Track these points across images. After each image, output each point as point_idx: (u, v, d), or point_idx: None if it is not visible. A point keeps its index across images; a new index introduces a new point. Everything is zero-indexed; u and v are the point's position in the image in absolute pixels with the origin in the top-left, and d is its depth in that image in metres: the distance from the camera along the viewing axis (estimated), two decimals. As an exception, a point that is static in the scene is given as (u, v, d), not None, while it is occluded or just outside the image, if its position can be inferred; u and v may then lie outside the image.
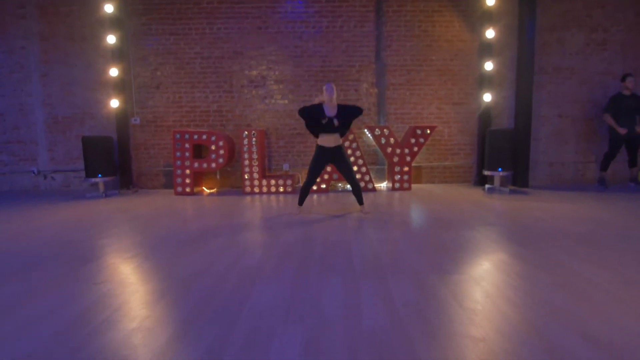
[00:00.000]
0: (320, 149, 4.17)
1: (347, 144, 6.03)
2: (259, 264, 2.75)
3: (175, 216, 4.53)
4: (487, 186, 6.08)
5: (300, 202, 4.43)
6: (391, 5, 6.37)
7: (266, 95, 6.58)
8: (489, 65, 6.20)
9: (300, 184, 6.66)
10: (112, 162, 6.30)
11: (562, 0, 6.31)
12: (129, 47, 6.49)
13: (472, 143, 6.62)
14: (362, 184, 6.13)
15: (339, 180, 6.15)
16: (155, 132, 6.65)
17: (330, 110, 4.12)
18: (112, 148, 6.35)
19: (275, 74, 6.53)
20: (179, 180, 6.10)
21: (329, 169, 6.07)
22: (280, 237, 3.46)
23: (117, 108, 6.44)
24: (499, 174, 5.90)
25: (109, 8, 6.17)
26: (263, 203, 5.36)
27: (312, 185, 4.31)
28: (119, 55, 6.39)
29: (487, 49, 6.24)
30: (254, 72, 6.53)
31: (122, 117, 6.51)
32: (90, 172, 6.03)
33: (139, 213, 4.73)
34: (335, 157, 4.20)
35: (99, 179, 6.05)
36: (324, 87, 4.11)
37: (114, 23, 6.30)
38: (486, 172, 6.03)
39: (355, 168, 6.07)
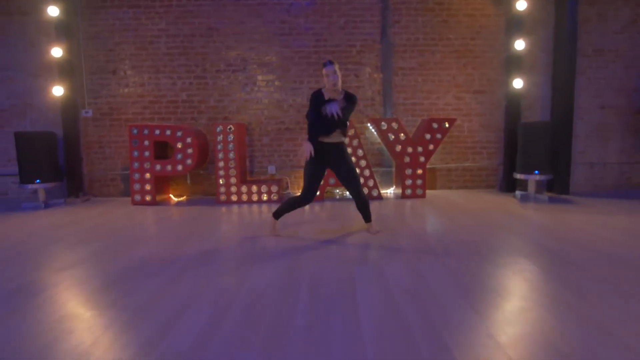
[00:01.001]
0: (319, 146, 3.01)
1: (346, 141, 4.85)
2: (199, 340, 1.56)
3: (112, 238, 3.32)
4: (518, 193, 4.92)
5: (279, 216, 3.26)
6: (399, -28, 5.22)
7: (247, 81, 5.39)
8: (519, 44, 5.05)
9: (289, 191, 5.47)
10: (55, 165, 5.07)
11: (605, -33, 5.20)
12: (78, 23, 5.27)
13: (498, 140, 5.47)
14: (365, 191, 4.94)
15: (336, 185, 4.98)
16: (112, 128, 5.43)
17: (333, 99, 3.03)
18: (56, 147, 5.12)
19: (258, 55, 5.34)
20: (136, 186, 4.89)
21: None
22: (248, 279, 2.27)
23: (62, 97, 5.22)
24: (534, 178, 4.76)
25: (50, -28, 4.96)
26: (238, 217, 4.16)
27: (309, 201, 3.10)
28: (65, 32, 5.17)
29: (516, 25, 5.10)
30: (232, 54, 5.34)
31: (70, 108, 5.28)
32: (25, 177, 4.80)
33: (67, 232, 3.51)
34: (336, 158, 3.08)
35: (38, 185, 4.82)
36: (324, 70, 2.99)
37: (58, -8, 5.09)
38: (518, 176, 4.88)
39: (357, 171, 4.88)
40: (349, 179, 3.09)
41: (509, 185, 5.31)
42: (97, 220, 4.01)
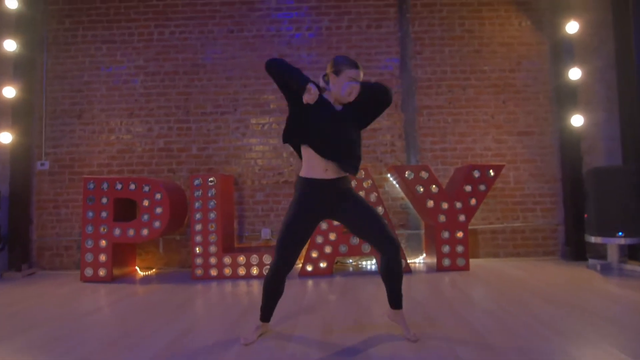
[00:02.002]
0: (309, 185, 1.98)
1: (361, 194, 3.73)
2: None
3: (26, 335, 2.10)
4: (595, 262, 3.65)
5: (266, 315, 2.10)
6: (419, -3, 4.44)
7: (238, 125, 4.43)
8: (574, 73, 4.08)
9: (289, 260, 4.25)
10: (-6, 229, 4.01)
11: (665, -13, 4.36)
12: (44, 60, 4.49)
13: (554, 193, 4.30)
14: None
15: (349, 254, 3.77)
16: (72, 183, 4.41)
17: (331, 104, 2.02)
18: (-2, 206, 4.09)
19: (252, 95, 4.44)
20: (88, 257, 3.73)
21: (324, 225, 3.71)
22: None
23: (13, 146, 4.27)
24: (617, 242, 3.52)
25: (11, 3, 4.24)
26: (214, 304, 2.94)
27: (288, 266, 1.97)
28: (25, 70, 4.36)
29: (566, 52, 4.17)
30: (222, 93, 4.44)
31: (22, 159, 4.31)
32: (-53, 245, 3.71)
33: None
34: (341, 199, 1.99)
35: (-37, 256, 3.71)
36: (346, 72, 1.93)
37: (21, 25, 4.35)
38: (593, 239, 3.64)
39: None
40: (367, 218, 1.96)
41: (576, 252, 4.04)
42: (22, 305, 2.82)
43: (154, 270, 4.21)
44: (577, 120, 4.05)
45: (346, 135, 1.95)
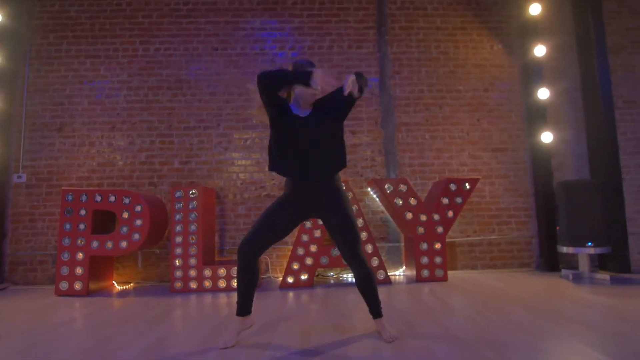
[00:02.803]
0: (289, 186, 2.12)
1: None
2: None
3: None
4: (567, 272, 3.78)
5: (241, 307, 2.08)
6: (398, 21, 4.66)
7: (221, 139, 4.48)
8: (543, 93, 4.32)
9: (270, 275, 4.25)
10: (-36, 242, 3.89)
11: (620, 15, 4.72)
12: (26, 73, 4.48)
13: (528, 206, 4.46)
14: (368, 273, 3.75)
15: (330, 266, 3.80)
16: (49, 196, 4.34)
17: (304, 110, 2.12)
18: (-30, 219, 3.99)
19: (235, 110, 4.51)
20: (64, 270, 3.64)
21: (308, 224, 3.74)
22: None
23: (-11, 158, 4.21)
24: (587, 252, 3.66)
25: (-5, 17, 4.28)
26: (192, 315, 2.91)
27: (244, 252, 2.00)
28: (6, 82, 4.34)
29: (535, 74, 4.42)
30: (205, 108, 4.51)
31: (-1, 172, 4.25)
32: None
33: None
34: (326, 203, 2.07)
35: None
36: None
37: (5, 39, 4.36)
38: (565, 249, 3.78)
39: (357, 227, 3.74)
40: (344, 232, 2.01)
41: (550, 263, 4.17)
42: (-20, 323, 2.72)
43: (131, 284, 4.12)
44: (547, 138, 4.26)
45: (316, 144, 2.01)
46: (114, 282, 4.13)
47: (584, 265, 3.73)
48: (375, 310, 2.10)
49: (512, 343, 1.96)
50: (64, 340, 2.25)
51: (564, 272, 3.87)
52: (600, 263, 4.09)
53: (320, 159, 2.04)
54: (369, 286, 2.07)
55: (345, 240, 2.02)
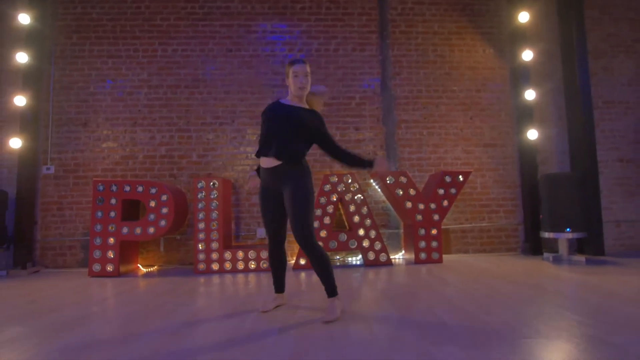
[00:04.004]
0: (261, 173, 2.42)
1: (348, 197, 4.21)
2: None
3: (49, 318, 2.42)
4: (548, 255, 4.25)
5: (276, 286, 2.55)
6: (398, 26, 5.05)
7: (236, 135, 4.85)
8: (530, 94, 4.75)
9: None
10: (2, 229, 4.23)
11: (602, 22, 5.16)
12: (51, 72, 4.79)
13: (515, 196, 4.92)
14: (372, 256, 4.19)
15: (338, 249, 4.21)
16: (76, 186, 4.69)
17: (296, 103, 2.41)
18: (5, 208, 4.32)
19: (248, 108, 4.88)
20: (97, 253, 4.02)
21: (316, 224, 4.15)
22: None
23: (20, 151, 4.53)
24: (566, 237, 4.13)
25: (24, 18, 4.58)
26: (219, 294, 3.31)
27: (272, 251, 2.44)
28: (34, 80, 4.65)
29: (523, 77, 4.86)
30: (220, 106, 4.87)
31: (29, 164, 4.57)
32: (-42, 244, 3.91)
33: (-12, 312, 2.60)
34: (282, 181, 2.30)
35: (-27, 254, 3.92)
36: (292, 69, 2.36)
37: (31, 39, 4.67)
38: (547, 234, 4.25)
39: (361, 232, 4.17)
40: (290, 212, 2.23)
41: (534, 247, 4.65)
42: (38, 295, 3.09)
43: (155, 267, 4.51)
44: (533, 135, 4.71)
45: (281, 130, 2.25)
46: (139, 265, 4.52)
47: (563, 248, 4.20)
48: (327, 290, 2.27)
49: (499, 306, 2.40)
50: (115, 310, 2.65)
51: (545, 255, 4.34)
52: (577, 247, 4.57)
53: (285, 141, 2.24)
54: (317, 269, 2.24)
55: (291, 219, 2.22)
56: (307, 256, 2.22)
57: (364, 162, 2.33)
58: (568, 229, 4.09)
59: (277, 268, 2.50)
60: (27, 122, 4.58)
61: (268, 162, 2.29)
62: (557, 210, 4.16)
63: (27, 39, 4.67)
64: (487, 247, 4.85)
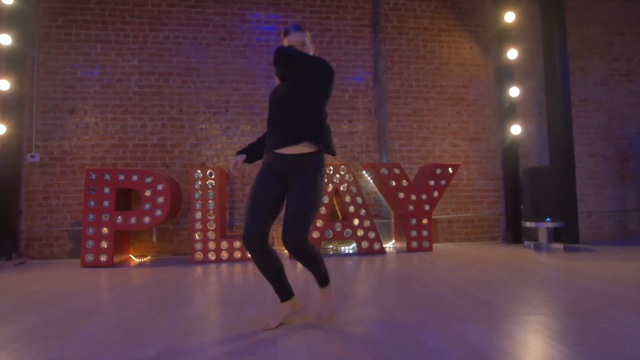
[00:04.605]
0: (272, 158, 1.93)
1: (344, 187, 4.32)
2: None
3: (52, 310, 2.40)
4: (529, 243, 4.53)
5: (283, 295, 1.98)
6: (390, 21, 5.16)
7: (230, 125, 4.84)
8: (514, 91, 5.00)
9: (277, 247, 4.72)
10: (-16, 218, 4.07)
11: (579, 24, 5.48)
12: (35, 55, 4.60)
13: (497, 188, 5.19)
14: (366, 244, 4.33)
15: (333, 238, 4.33)
16: (63, 175, 4.56)
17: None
18: (-12, 196, 4.15)
19: (242, 98, 4.87)
20: (89, 243, 3.95)
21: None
22: None
23: (3, 138, 4.34)
24: (546, 226, 4.41)
25: (6, -1, 4.36)
26: (218, 284, 3.35)
27: (247, 240, 1.83)
28: (17, 64, 4.46)
29: (507, 75, 5.09)
30: (214, 95, 4.83)
31: (12, 151, 4.39)
32: (-61, 234, 3.74)
33: (-8, 302, 2.54)
34: (294, 174, 1.90)
35: (-45, 245, 3.75)
36: (286, 40, 1.98)
37: (14, 20, 4.46)
38: (528, 224, 4.52)
39: (356, 222, 4.30)
40: (290, 205, 1.82)
41: (515, 236, 4.94)
42: (37, 286, 3.03)
43: (148, 257, 4.47)
44: (515, 130, 4.97)
45: (290, 109, 1.87)
46: (130, 255, 4.46)
47: (542, 237, 4.49)
48: (319, 280, 2.01)
49: (497, 288, 2.58)
50: (125, 298, 2.65)
51: (526, 243, 4.62)
52: (555, 236, 4.89)
53: (291, 122, 1.86)
54: (308, 265, 1.91)
55: (290, 218, 1.79)
56: (296, 257, 1.83)
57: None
58: (548, 219, 4.38)
59: (275, 268, 1.93)
60: (10, 107, 4.40)
61: (285, 149, 1.86)
62: (538, 202, 4.44)
63: (9, 19, 4.45)
64: (471, 236, 5.10)
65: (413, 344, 1.63)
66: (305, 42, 1.96)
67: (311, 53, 1.98)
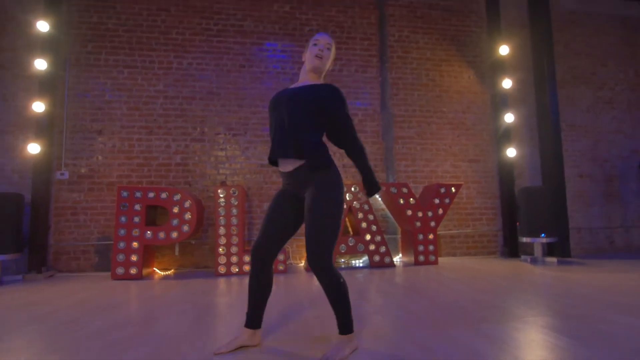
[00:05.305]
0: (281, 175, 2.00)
1: (356, 205, 4.67)
2: None
3: (106, 320, 2.67)
4: (526, 257, 4.92)
5: (252, 320, 1.94)
6: (396, 51, 5.61)
7: (248, 145, 5.18)
8: (509, 117, 5.47)
9: (290, 260, 5.02)
10: (19, 233, 4.28)
11: (566, 56, 6.02)
12: (66, 79, 4.90)
13: (495, 206, 5.60)
14: (377, 258, 4.67)
15: (347, 252, 4.65)
16: (90, 192, 4.81)
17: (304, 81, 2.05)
18: (21, 212, 4.37)
19: (260, 120, 5.23)
20: (120, 257, 4.20)
21: None
22: None
23: (36, 157, 4.60)
24: (541, 241, 4.81)
25: (43, 26, 4.67)
26: (236, 298, 3.63)
27: (255, 257, 1.90)
28: (49, 87, 4.75)
29: (502, 102, 5.57)
30: (234, 118, 5.18)
31: (44, 169, 4.64)
32: (-22, 247, 3.95)
33: (43, 312, 2.79)
34: (305, 187, 1.89)
35: (-7, 258, 3.97)
36: (311, 41, 2.02)
37: (48, 47, 4.77)
38: (524, 239, 4.92)
39: (367, 237, 4.65)
40: (307, 227, 1.78)
41: (511, 251, 5.33)
42: (81, 296, 3.28)
43: (172, 270, 4.72)
44: (510, 152, 5.42)
45: (292, 118, 1.83)
46: (154, 268, 4.71)
47: (538, 251, 4.88)
48: (340, 324, 1.82)
49: (505, 295, 2.93)
50: (172, 307, 2.93)
51: (523, 257, 5.02)
52: (549, 250, 5.29)
53: (294, 132, 1.82)
54: (331, 297, 1.80)
55: (307, 233, 1.77)
56: (320, 281, 1.77)
57: (373, 181, 1.96)
58: (543, 235, 4.78)
59: (265, 290, 1.91)
60: (42, 128, 4.67)
61: (284, 165, 1.88)
62: (533, 219, 4.85)
63: (44, 46, 4.76)
64: (472, 250, 5.47)
65: (447, 339, 1.96)
66: (331, 47, 2.00)
67: (331, 59, 2.04)
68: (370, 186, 1.96)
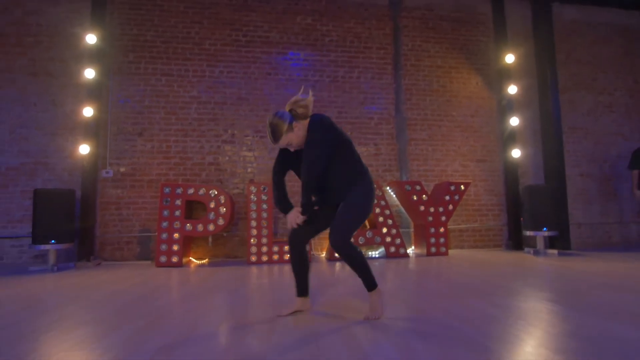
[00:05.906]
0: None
1: (374, 201, 5.12)
2: None
3: (166, 303, 3.15)
4: (529, 249, 5.36)
5: (301, 290, 2.39)
6: (409, 59, 6.07)
7: (275, 147, 5.63)
8: (514, 121, 5.91)
9: (313, 252, 5.49)
10: (71, 225, 4.77)
11: (568, 64, 6.44)
12: (110, 86, 5.40)
13: (500, 203, 6.04)
14: (393, 249, 5.13)
15: (366, 243, 5.11)
16: (132, 188, 5.31)
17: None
18: (73, 206, 4.86)
19: (284, 123, 5.68)
20: (163, 247, 4.68)
21: None
22: None
23: (85, 157, 5.10)
24: (543, 234, 5.25)
25: (91, 39, 5.18)
26: (273, 281, 4.12)
27: (291, 243, 2.34)
28: (95, 94, 5.25)
29: (508, 106, 6.01)
30: (261, 121, 5.66)
31: (91, 168, 5.15)
32: (39, 237, 4.44)
33: (99, 295, 3.28)
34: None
35: (51, 246, 4.47)
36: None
37: (95, 56, 5.27)
38: (528, 233, 5.36)
39: (384, 230, 5.11)
40: (336, 217, 2.19)
41: (515, 244, 5.76)
42: (135, 280, 3.77)
43: (206, 259, 5.21)
44: (515, 153, 5.86)
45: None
46: (190, 257, 5.20)
47: (540, 244, 5.32)
48: (366, 284, 2.23)
49: (517, 281, 3.38)
50: (225, 285, 3.40)
51: (526, 249, 5.45)
52: (550, 243, 5.72)
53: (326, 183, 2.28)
54: (353, 266, 2.19)
55: (333, 223, 2.16)
56: (342, 254, 2.16)
57: (285, 206, 2.34)
58: (545, 229, 5.21)
59: (304, 267, 2.36)
60: (90, 131, 5.17)
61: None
62: (536, 214, 5.28)
63: (91, 56, 5.26)
64: (479, 243, 5.92)
65: (464, 307, 2.43)
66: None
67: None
68: (285, 207, 2.35)
